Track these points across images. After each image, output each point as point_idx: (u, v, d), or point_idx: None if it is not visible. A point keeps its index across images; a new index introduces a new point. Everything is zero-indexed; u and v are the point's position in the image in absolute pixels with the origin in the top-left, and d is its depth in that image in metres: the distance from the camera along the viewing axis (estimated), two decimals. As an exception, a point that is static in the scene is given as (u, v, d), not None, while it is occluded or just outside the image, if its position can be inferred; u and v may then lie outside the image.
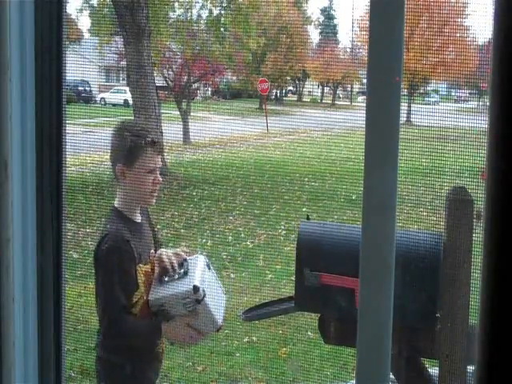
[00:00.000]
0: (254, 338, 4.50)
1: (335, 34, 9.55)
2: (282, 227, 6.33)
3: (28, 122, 1.81)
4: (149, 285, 2.36)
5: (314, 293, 2.20)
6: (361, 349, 1.49)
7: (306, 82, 9.91)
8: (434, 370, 2.20)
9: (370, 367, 1.49)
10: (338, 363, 3.44)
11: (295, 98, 10.35)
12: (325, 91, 9.60)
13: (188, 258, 2.42)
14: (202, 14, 7.89)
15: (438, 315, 2.10)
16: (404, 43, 1.40)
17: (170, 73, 8.21)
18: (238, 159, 7.66)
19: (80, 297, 4.14)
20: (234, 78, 8.92)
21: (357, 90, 9.04)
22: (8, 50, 1.68)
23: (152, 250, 2.47)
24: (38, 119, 1.83)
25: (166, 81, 8.16)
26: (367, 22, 1.42)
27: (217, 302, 2.40)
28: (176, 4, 7.54)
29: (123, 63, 7.99)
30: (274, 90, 9.55)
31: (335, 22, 9.86)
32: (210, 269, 2.45)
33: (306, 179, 7.12)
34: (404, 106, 5.54)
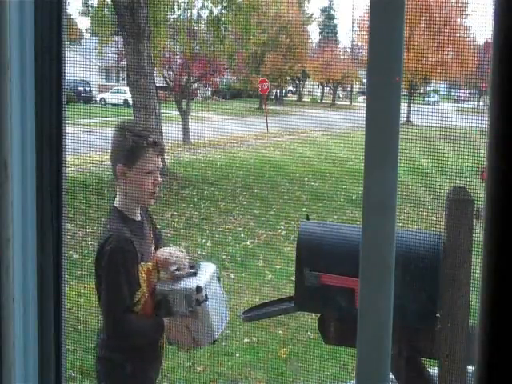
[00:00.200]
0: (254, 339, 4.50)
1: (335, 33, 9.55)
2: (282, 227, 6.33)
3: (28, 122, 1.81)
4: (150, 283, 2.38)
5: (314, 293, 2.20)
6: (361, 349, 1.50)
7: (306, 82, 9.91)
8: (433, 370, 2.20)
9: (369, 367, 1.49)
10: (338, 363, 3.43)
11: (295, 98, 10.35)
12: (325, 91, 9.61)
13: (202, 263, 2.46)
14: (202, 13, 7.90)
15: (437, 315, 2.10)
16: (404, 43, 1.40)
17: (170, 73, 8.21)
18: (237, 159, 7.65)
19: (80, 297, 4.13)
20: (234, 78, 8.92)
21: (357, 90, 9.04)
22: (8, 50, 1.68)
23: (152, 248, 2.48)
24: (38, 119, 1.83)
25: (165, 81, 8.16)
26: (367, 22, 1.42)
27: (218, 314, 2.41)
28: (176, 4, 7.54)
29: (123, 63, 7.99)
30: (274, 90, 9.55)
31: (335, 22, 9.86)
32: (218, 281, 2.47)
33: (306, 179, 7.12)
34: (404, 106, 5.54)
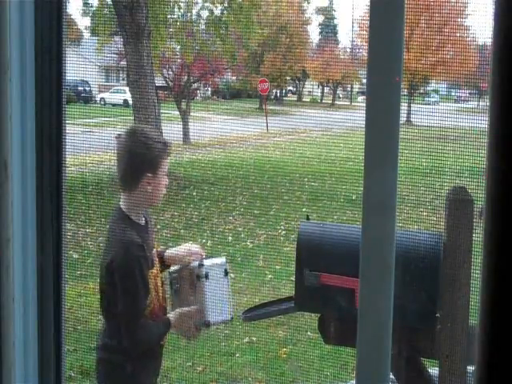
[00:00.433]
0: (254, 339, 4.50)
1: (335, 33, 9.54)
2: (282, 227, 6.33)
3: (28, 122, 1.81)
4: (157, 287, 2.40)
5: (314, 293, 2.20)
6: (361, 349, 1.50)
7: (306, 82, 9.91)
8: (433, 370, 2.20)
9: (370, 367, 1.49)
10: (338, 363, 3.43)
11: (295, 98, 10.34)
12: (325, 91, 9.60)
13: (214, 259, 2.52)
14: (202, 13, 7.89)
15: (437, 315, 2.10)
16: (404, 43, 1.40)
17: (170, 73, 8.21)
18: (237, 159, 7.65)
19: (80, 297, 4.14)
20: (234, 78, 8.92)
21: (357, 90, 9.04)
22: (8, 50, 1.68)
23: (154, 251, 2.48)
24: (38, 119, 1.83)
25: (165, 81, 8.16)
26: (367, 22, 1.42)
27: (215, 300, 2.44)
28: (176, 4, 7.54)
29: (123, 63, 7.99)
30: (274, 90, 9.55)
31: (335, 21, 9.86)
32: (226, 275, 2.49)
33: (306, 179, 7.12)
34: (404, 106, 5.54)
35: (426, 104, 6.76)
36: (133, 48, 6.28)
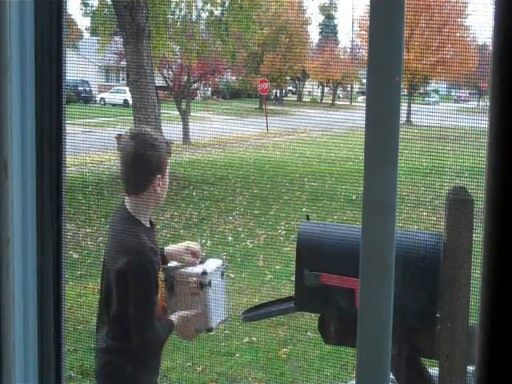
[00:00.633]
0: (254, 339, 4.50)
1: (335, 33, 9.54)
2: (282, 227, 6.33)
3: (28, 122, 1.81)
4: (161, 288, 2.41)
5: (314, 293, 2.20)
6: (361, 349, 1.50)
7: (306, 82, 9.91)
8: (433, 370, 2.20)
9: (369, 367, 1.49)
10: (338, 363, 3.43)
11: (295, 98, 10.34)
12: (325, 91, 9.60)
13: (210, 259, 2.53)
14: (202, 13, 7.89)
15: (437, 315, 2.10)
16: (404, 43, 1.40)
17: (170, 73, 8.20)
18: (237, 159, 7.65)
19: (80, 297, 4.14)
20: (234, 77, 8.91)
21: (357, 90, 9.04)
22: (8, 50, 1.68)
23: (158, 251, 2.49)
24: (38, 119, 1.83)
25: (165, 81, 8.16)
26: (367, 22, 1.42)
27: (216, 305, 2.45)
28: (176, 4, 7.54)
29: (123, 63, 7.99)
30: (274, 90, 9.55)
31: (335, 21, 9.86)
32: (222, 277, 2.50)
33: (306, 179, 7.12)
34: (404, 106, 5.53)
35: (426, 104, 6.76)
36: (133, 48, 6.28)
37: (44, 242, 1.87)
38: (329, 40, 9.17)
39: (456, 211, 2.02)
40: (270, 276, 5.27)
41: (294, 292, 2.28)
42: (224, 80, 8.82)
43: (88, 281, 4.44)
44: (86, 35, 8.54)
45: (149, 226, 2.42)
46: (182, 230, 6.35)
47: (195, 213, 6.83)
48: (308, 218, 2.53)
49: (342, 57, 9.19)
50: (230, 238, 6.29)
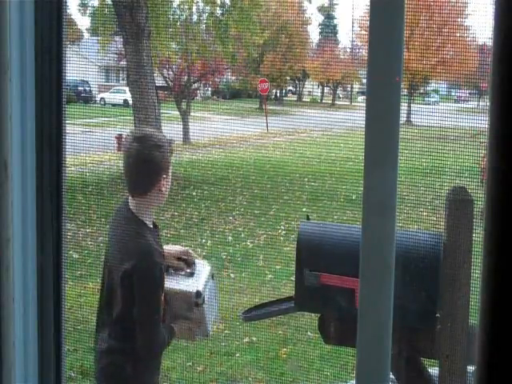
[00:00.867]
0: (254, 339, 4.50)
1: (335, 33, 9.54)
2: (282, 227, 6.33)
3: (28, 122, 1.81)
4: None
5: (314, 293, 2.20)
6: (361, 349, 1.50)
7: (306, 82, 9.91)
8: (433, 370, 2.20)
9: (369, 367, 1.49)
10: (338, 363, 3.43)
11: (295, 98, 10.34)
12: (325, 91, 9.60)
13: (197, 261, 2.48)
14: (202, 13, 7.89)
15: (437, 315, 2.10)
16: (404, 43, 1.40)
17: (170, 73, 8.20)
18: (237, 159, 7.65)
19: (80, 297, 4.13)
20: (234, 77, 8.91)
21: (357, 90, 9.04)
22: (8, 50, 1.68)
23: None
24: (38, 119, 1.83)
25: (165, 81, 8.16)
26: (367, 22, 1.42)
27: (212, 313, 2.46)
28: (176, 4, 7.54)
29: (123, 63, 7.99)
30: (274, 90, 9.55)
31: (335, 21, 9.86)
32: (213, 279, 2.50)
33: (306, 179, 7.12)
34: (404, 106, 5.53)
35: (426, 104, 6.76)
36: (133, 48, 6.28)
37: (44, 242, 1.87)
38: (329, 40, 9.18)
39: (456, 211, 2.02)
40: (270, 276, 5.27)
41: (293, 292, 2.28)
42: (224, 80, 8.82)
43: (88, 281, 4.44)
44: (86, 35, 8.54)
45: (153, 227, 2.42)
46: (182, 230, 6.35)
47: (195, 213, 6.83)
48: (308, 218, 2.53)
49: (342, 57, 9.20)
50: (230, 237, 6.29)
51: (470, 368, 2.02)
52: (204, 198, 7.04)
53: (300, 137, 8.18)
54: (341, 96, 9.40)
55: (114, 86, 8.98)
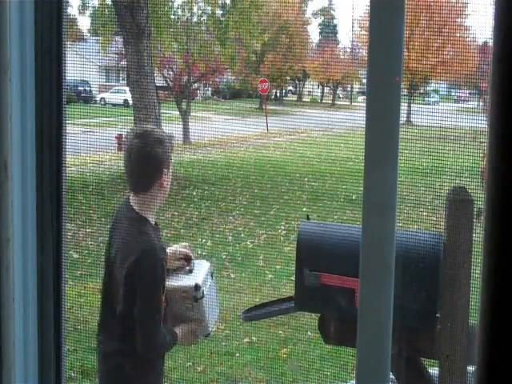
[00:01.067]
0: (254, 339, 4.50)
1: (335, 33, 9.55)
2: (282, 227, 6.33)
3: (28, 122, 1.81)
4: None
5: (314, 293, 2.20)
6: (361, 349, 1.49)
7: (306, 82, 9.91)
8: (433, 370, 2.20)
9: (369, 367, 1.49)
10: (338, 363, 3.43)
11: (295, 98, 10.34)
12: (325, 91, 9.60)
13: (196, 261, 2.48)
14: (203, 14, 7.89)
15: (438, 315, 2.10)
16: (404, 43, 1.40)
17: (170, 73, 8.20)
18: (237, 159, 7.65)
19: (80, 297, 4.14)
20: (234, 77, 8.91)
21: (357, 90, 9.04)
22: (8, 50, 1.68)
23: None
24: (38, 119, 1.83)
25: (165, 81, 8.16)
26: (367, 22, 1.42)
27: (212, 310, 2.45)
28: (176, 4, 7.54)
29: (123, 63, 7.99)
30: (274, 90, 9.54)
31: (335, 21, 9.86)
32: (212, 278, 2.50)
33: (306, 179, 7.12)
34: (404, 106, 5.53)
35: (426, 104, 6.76)
36: (133, 48, 6.28)
37: (44, 242, 1.87)
38: (329, 40, 9.17)
39: (456, 211, 2.02)
40: (270, 276, 5.27)
41: (294, 292, 2.28)
42: (224, 80, 8.82)
43: (88, 281, 4.44)
44: (86, 35, 8.54)
45: (152, 224, 2.42)
46: (182, 230, 6.35)
47: (195, 213, 6.83)
48: (308, 218, 2.53)
49: (342, 57, 9.20)
50: (230, 237, 6.29)
51: (470, 368, 2.02)
52: (204, 198, 7.04)
53: (300, 137, 8.18)
54: (341, 96, 9.40)
55: (115, 85, 8.98)
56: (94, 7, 8.14)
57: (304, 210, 6.08)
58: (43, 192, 1.86)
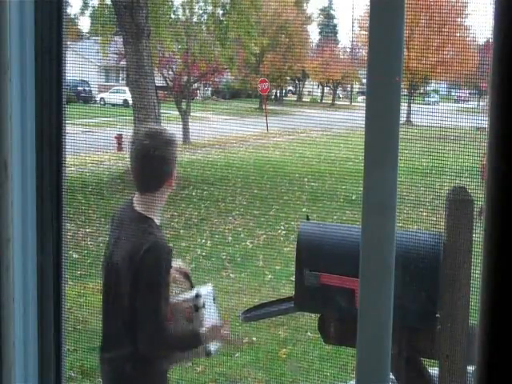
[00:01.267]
0: (254, 339, 4.49)
1: (335, 33, 9.54)
2: (282, 227, 6.33)
3: (28, 122, 1.81)
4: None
5: (314, 293, 2.20)
6: (361, 349, 1.49)
7: (306, 82, 9.90)
8: (433, 370, 2.20)
9: (369, 367, 1.49)
10: (338, 363, 3.43)
11: (295, 98, 10.33)
12: (325, 91, 9.59)
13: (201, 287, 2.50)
14: (203, 14, 7.89)
15: (437, 315, 2.10)
16: (404, 43, 1.40)
17: (170, 73, 8.20)
18: (237, 159, 7.65)
19: (80, 297, 4.13)
20: (234, 77, 8.91)
21: (357, 90, 9.03)
22: (8, 50, 1.68)
23: None
24: (38, 119, 1.83)
25: (165, 81, 8.15)
26: (367, 22, 1.42)
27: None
28: (176, 4, 7.54)
29: (123, 63, 7.98)
30: (274, 90, 9.54)
31: (335, 21, 9.86)
32: (214, 301, 2.49)
33: (306, 179, 7.11)
34: (404, 106, 5.53)
35: (426, 104, 6.75)
36: (132, 48, 6.28)
37: (44, 242, 1.87)
38: (329, 40, 9.17)
39: (456, 211, 2.02)
40: (269, 276, 5.27)
41: (293, 292, 2.28)
42: (224, 80, 8.82)
43: (88, 281, 4.44)
44: (86, 35, 8.54)
45: (158, 224, 2.41)
46: (181, 230, 6.34)
47: (195, 213, 6.83)
48: (308, 218, 2.53)
49: (342, 57, 9.19)
50: (229, 238, 6.29)
51: (470, 368, 2.02)
52: (204, 198, 7.04)
53: (300, 137, 8.18)
54: (341, 96, 9.40)
55: (114, 86, 8.98)
56: (93, 7, 8.14)
57: (304, 210, 6.08)
58: (43, 192, 1.86)
